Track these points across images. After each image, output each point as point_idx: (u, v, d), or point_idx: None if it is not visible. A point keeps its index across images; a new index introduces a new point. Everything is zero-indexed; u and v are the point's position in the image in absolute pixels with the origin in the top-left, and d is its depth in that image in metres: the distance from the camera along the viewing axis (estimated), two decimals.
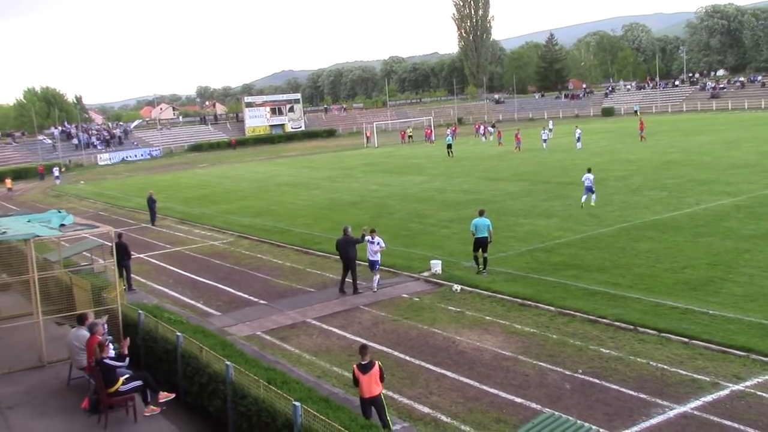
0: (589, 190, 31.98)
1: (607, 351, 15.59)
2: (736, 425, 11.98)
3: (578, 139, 59.81)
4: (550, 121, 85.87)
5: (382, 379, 11.76)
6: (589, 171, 32.63)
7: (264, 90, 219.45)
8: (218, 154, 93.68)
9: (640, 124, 63.54)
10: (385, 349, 16.75)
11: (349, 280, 21.92)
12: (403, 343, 17.16)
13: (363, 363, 11.79)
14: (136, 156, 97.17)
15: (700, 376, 13.97)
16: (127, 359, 13.87)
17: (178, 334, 14.33)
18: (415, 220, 32.22)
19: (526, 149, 61.07)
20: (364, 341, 17.13)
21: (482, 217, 22.43)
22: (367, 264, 22.15)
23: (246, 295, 22.54)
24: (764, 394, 13.03)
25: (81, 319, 15.18)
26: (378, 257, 21.67)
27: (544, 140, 62.26)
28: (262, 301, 21.76)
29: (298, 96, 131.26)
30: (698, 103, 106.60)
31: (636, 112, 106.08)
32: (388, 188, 44.07)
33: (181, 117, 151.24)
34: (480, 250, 22.22)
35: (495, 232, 27.90)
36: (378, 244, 21.54)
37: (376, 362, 11.80)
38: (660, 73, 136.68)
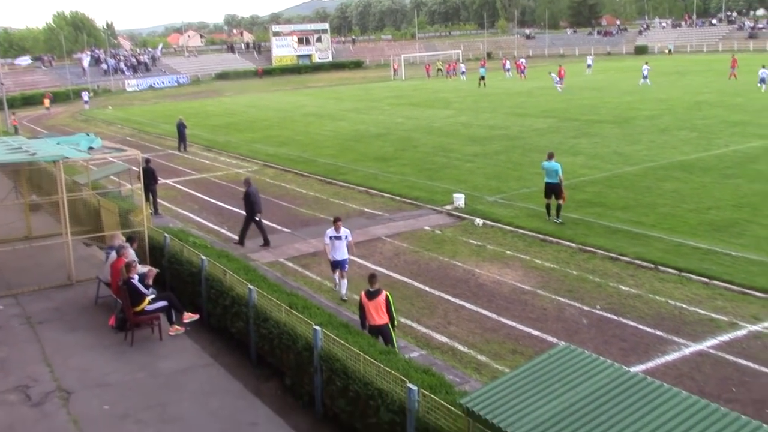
0: (762, 81, 46.49)
1: (627, 288, 15.62)
2: (751, 364, 12.03)
3: (645, 77, 57.09)
4: (589, 57, 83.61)
5: (389, 310, 11.89)
6: (764, 67, 47.56)
7: (292, 19, 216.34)
8: (245, 83, 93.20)
9: (733, 61, 59.14)
10: (405, 279, 16.92)
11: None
12: (424, 274, 17.31)
13: (371, 290, 11.94)
14: (163, 83, 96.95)
15: (718, 316, 13.98)
16: (152, 289, 14.19)
17: (203, 257, 14.56)
18: (439, 154, 32.08)
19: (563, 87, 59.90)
20: (385, 271, 17.33)
21: (551, 161, 20.49)
22: (330, 264, 16.39)
23: (270, 223, 22.66)
24: None
25: (130, 240, 15.60)
26: (347, 255, 16.09)
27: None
28: (285, 229, 21.96)
29: (326, 26, 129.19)
30: (735, 43, 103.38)
31: (670, 51, 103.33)
32: (414, 121, 43.74)
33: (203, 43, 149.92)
34: (552, 196, 20.46)
35: (520, 169, 27.90)
36: (346, 238, 15.95)
37: (384, 292, 11.95)
38: (697, 11, 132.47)
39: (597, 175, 25.97)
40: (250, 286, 12.69)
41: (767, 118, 36.13)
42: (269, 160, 33.83)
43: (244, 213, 20.63)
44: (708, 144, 30.49)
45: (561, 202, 20.43)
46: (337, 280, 16.26)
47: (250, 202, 20.02)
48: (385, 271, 17.38)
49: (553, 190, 20.46)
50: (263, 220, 20.50)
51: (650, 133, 34.07)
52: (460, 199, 22.90)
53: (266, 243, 20.08)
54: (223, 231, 22.17)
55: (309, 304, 12.56)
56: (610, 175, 25.88)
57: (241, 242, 20.18)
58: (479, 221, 21.23)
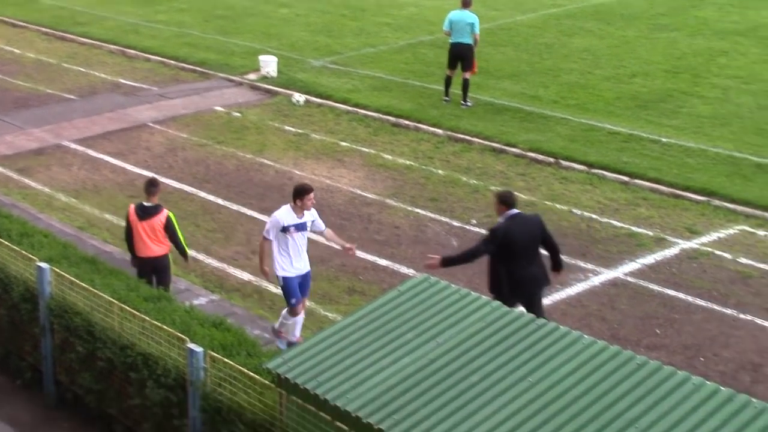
0: None
1: (515, 193, 16.24)
2: (682, 296, 12.97)
3: None
4: None
5: (171, 237, 11.90)
6: None
7: None
8: None
9: None
10: (186, 187, 16.78)
11: None
12: (215, 179, 17.24)
13: (146, 204, 11.76)
14: None
15: (640, 230, 14.91)
16: None
17: None
18: None
19: None
20: (153, 175, 17.09)
21: (465, 9, 20.27)
22: (285, 287, 11.95)
23: None
24: (724, 254, 14.12)
25: None
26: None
27: None
28: None
29: None
30: None
31: None
32: None
33: None
34: (459, 65, 20.34)
35: (362, 17, 27.99)
36: (314, 223, 11.94)
37: (165, 210, 11.85)
38: None
39: None
40: None
41: None
42: None
43: None
44: None
45: (468, 75, 20.37)
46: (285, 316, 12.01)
47: None
48: (153, 176, 17.13)
49: (461, 55, 20.26)
50: None
51: None
52: (269, 64, 22.80)
53: None
54: None
55: (30, 229, 12.28)
56: (494, 26, 26.45)
57: None
58: (300, 97, 21.28)
